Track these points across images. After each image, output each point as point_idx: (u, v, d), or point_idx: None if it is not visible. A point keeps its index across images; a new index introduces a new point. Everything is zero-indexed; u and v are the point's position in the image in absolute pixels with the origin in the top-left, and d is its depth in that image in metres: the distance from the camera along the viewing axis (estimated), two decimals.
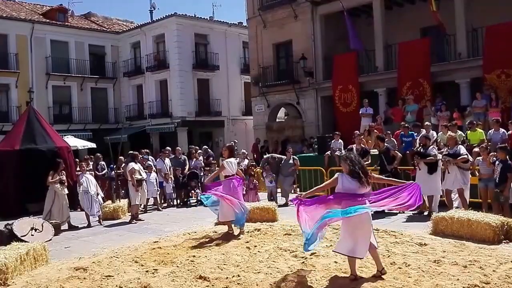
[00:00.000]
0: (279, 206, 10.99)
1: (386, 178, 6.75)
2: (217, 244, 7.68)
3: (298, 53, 20.93)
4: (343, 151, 12.24)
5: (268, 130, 22.61)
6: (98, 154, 15.71)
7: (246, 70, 28.06)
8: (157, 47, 28.83)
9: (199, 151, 15.04)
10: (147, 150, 15.52)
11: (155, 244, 7.90)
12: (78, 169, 11.93)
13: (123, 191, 13.23)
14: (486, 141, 10.78)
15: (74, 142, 20.22)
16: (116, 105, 30.66)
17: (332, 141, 13.20)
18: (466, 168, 8.98)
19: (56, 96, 27.94)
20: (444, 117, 13.76)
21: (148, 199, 12.29)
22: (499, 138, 10.62)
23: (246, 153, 15.18)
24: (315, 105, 20.85)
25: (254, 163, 15.23)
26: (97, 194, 10.91)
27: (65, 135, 19.58)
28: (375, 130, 13.91)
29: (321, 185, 5.56)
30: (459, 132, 11.51)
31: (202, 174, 13.61)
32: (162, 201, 13.30)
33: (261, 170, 13.64)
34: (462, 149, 9.08)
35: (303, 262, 6.24)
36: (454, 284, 5.14)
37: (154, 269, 6.28)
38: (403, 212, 9.42)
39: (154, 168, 13.01)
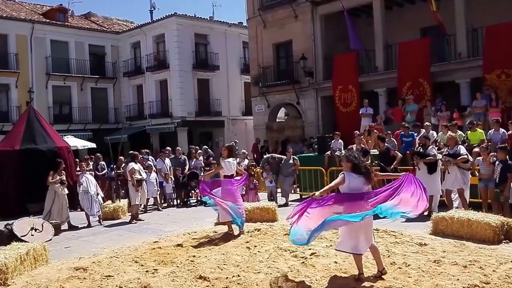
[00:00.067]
0: (279, 206, 11.00)
1: (388, 174, 6.74)
2: (217, 244, 7.68)
3: (298, 53, 20.93)
4: (343, 151, 12.24)
5: (268, 130, 22.61)
6: (98, 154, 15.72)
7: (246, 70, 28.05)
8: (157, 47, 28.83)
9: (199, 151, 15.04)
10: (147, 150, 15.52)
11: (155, 244, 7.90)
12: (78, 169, 11.94)
13: (123, 191, 13.23)
14: (486, 141, 10.78)
15: (74, 142, 20.23)
16: (116, 105, 30.66)
17: (332, 141, 13.20)
18: (466, 168, 8.98)
19: (56, 96, 27.93)
20: (444, 117, 13.76)
21: (148, 199, 12.30)
22: (499, 138, 10.62)
23: (246, 153, 15.19)
24: (315, 105, 20.85)
25: (254, 163, 15.24)
26: (97, 194, 10.91)
27: (65, 135, 19.59)
28: (375, 130, 13.91)
29: (331, 184, 5.48)
30: (459, 132, 11.52)
31: (202, 174, 13.60)
32: (162, 201, 13.30)
33: (261, 170, 13.64)
34: (462, 149, 9.09)
35: (303, 262, 6.23)
36: (454, 284, 5.14)
37: (154, 269, 6.28)
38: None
39: (154, 168, 13.02)
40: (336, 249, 5.76)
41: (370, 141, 13.38)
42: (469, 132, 11.59)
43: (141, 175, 11.31)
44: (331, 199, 5.46)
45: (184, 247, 7.52)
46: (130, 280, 5.84)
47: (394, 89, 17.56)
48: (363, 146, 11.81)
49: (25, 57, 26.62)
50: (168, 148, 14.53)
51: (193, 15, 28.49)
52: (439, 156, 9.41)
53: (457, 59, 16.35)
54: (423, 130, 11.58)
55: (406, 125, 12.34)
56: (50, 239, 8.59)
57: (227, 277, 5.73)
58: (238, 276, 5.77)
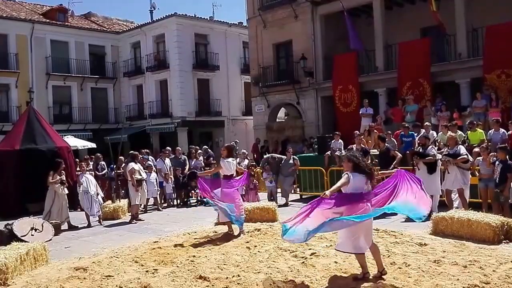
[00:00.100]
0: (279, 206, 11.00)
1: (388, 171, 6.73)
2: (217, 244, 7.68)
3: (298, 53, 20.93)
4: (343, 151, 12.25)
5: (268, 130, 22.60)
6: (98, 154, 15.72)
7: (246, 70, 28.05)
8: (157, 47, 28.82)
9: (199, 151, 15.04)
10: (147, 150, 15.53)
11: (155, 244, 7.90)
12: (78, 169, 11.95)
13: (123, 191, 13.23)
14: (486, 141, 10.78)
15: (74, 142, 20.23)
16: (116, 105, 30.65)
17: (332, 141, 13.20)
18: (466, 168, 8.99)
19: (56, 96, 27.93)
20: (444, 117, 13.76)
21: (148, 199, 12.30)
22: (499, 138, 10.62)
23: (246, 153, 15.18)
24: (315, 105, 20.85)
25: (254, 163, 15.24)
26: (97, 194, 10.91)
27: (65, 135, 19.59)
28: (375, 130, 13.91)
29: (338, 184, 5.42)
30: (459, 132, 11.52)
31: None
32: (162, 201, 13.30)
33: (261, 170, 13.64)
34: (462, 149, 9.09)
35: (303, 262, 6.23)
36: (454, 284, 5.14)
37: (154, 269, 6.27)
38: None
39: (154, 168, 13.02)
40: (337, 250, 5.75)
41: (370, 141, 13.38)
42: (469, 132, 11.59)
43: (141, 175, 11.31)
44: (333, 200, 5.43)
45: (184, 247, 7.52)
46: (130, 280, 5.84)
47: (394, 89, 17.56)
48: (363, 146, 11.81)
49: (25, 57, 26.62)
50: (168, 148, 14.53)
51: (193, 15, 28.50)
52: (439, 156, 9.41)
53: (457, 59, 16.35)
54: (423, 130, 11.58)
55: (406, 125, 12.35)
56: (50, 239, 8.59)
57: (227, 277, 5.73)
58: (238, 276, 5.76)
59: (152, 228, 9.93)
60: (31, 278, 6.23)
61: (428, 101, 15.48)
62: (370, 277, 5.47)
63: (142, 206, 12.10)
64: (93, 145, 21.45)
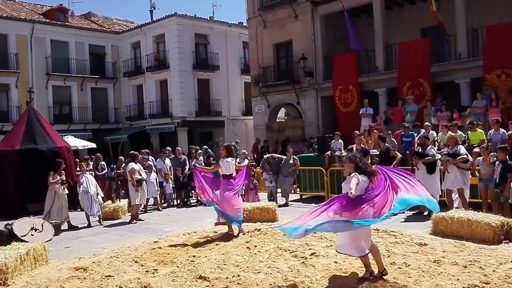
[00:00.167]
0: (279, 206, 11.00)
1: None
2: (217, 244, 7.68)
3: (298, 53, 20.93)
4: (343, 151, 12.26)
5: (268, 130, 22.60)
6: (98, 154, 15.72)
7: (246, 70, 28.06)
8: (157, 47, 28.83)
9: (199, 151, 15.03)
10: (147, 150, 15.52)
11: (155, 244, 7.90)
12: (78, 169, 11.95)
13: (123, 191, 13.23)
14: (486, 141, 10.78)
15: (74, 142, 20.23)
16: (116, 105, 30.66)
17: (332, 141, 13.20)
18: (465, 168, 8.98)
19: (56, 96, 27.93)
20: (444, 117, 13.77)
21: (148, 199, 12.30)
22: (499, 138, 10.63)
23: (246, 153, 15.17)
24: (315, 105, 20.85)
25: (254, 163, 15.24)
26: (97, 194, 10.90)
27: (65, 135, 19.60)
28: (375, 130, 13.92)
29: (355, 186, 5.33)
30: (459, 132, 11.52)
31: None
32: (162, 201, 13.30)
33: (261, 170, 13.64)
34: (462, 149, 9.09)
35: (303, 262, 6.23)
36: (454, 284, 5.14)
37: (154, 269, 6.28)
38: (403, 212, 9.41)
39: (154, 168, 13.01)
40: (339, 252, 5.67)
41: (370, 141, 13.38)
42: (469, 132, 11.59)
43: (141, 175, 11.31)
44: (344, 202, 5.37)
45: (184, 247, 7.52)
46: (130, 280, 5.84)
47: (394, 89, 17.56)
48: (363, 146, 11.82)
49: (25, 57, 26.62)
50: (168, 148, 14.53)
51: (193, 15, 28.50)
52: (438, 156, 9.41)
53: (457, 59, 16.35)
54: (423, 130, 11.59)
55: (406, 125, 12.35)
56: (50, 239, 8.59)
57: (227, 277, 5.73)
58: (238, 276, 5.76)
59: (152, 228, 9.93)
60: (31, 278, 6.23)
61: (428, 101, 15.48)
62: (371, 278, 5.46)
63: (142, 206, 12.10)
64: (93, 145, 21.45)
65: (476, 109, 13.75)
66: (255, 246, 7.29)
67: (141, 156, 13.32)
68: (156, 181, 12.80)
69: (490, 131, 11.25)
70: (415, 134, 11.43)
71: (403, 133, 11.93)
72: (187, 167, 13.73)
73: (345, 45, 19.14)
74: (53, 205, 10.06)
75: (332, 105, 19.59)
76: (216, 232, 8.62)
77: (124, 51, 30.72)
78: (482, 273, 5.48)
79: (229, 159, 8.63)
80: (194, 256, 6.88)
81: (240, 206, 8.68)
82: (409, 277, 5.46)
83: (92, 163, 15.05)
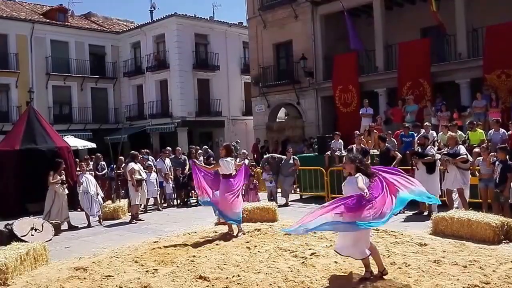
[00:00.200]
0: (279, 206, 11.00)
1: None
2: (217, 244, 7.68)
3: (298, 53, 20.94)
4: (343, 151, 12.26)
5: (268, 130, 22.61)
6: (98, 154, 15.73)
7: (246, 70, 28.06)
8: (157, 47, 28.84)
9: (199, 151, 15.04)
10: (147, 150, 15.53)
11: (155, 244, 7.90)
12: (78, 169, 11.95)
13: (123, 191, 13.23)
14: (486, 141, 10.78)
15: (74, 142, 20.24)
16: (116, 105, 30.66)
17: (332, 141, 13.20)
18: (465, 168, 8.98)
19: (56, 96, 27.94)
20: (444, 117, 13.77)
21: (148, 199, 12.30)
22: (499, 138, 10.62)
23: (246, 153, 15.20)
24: (315, 105, 20.85)
25: (254, 163, 15.24)
26: (97, 194, 10.91)
27: (65, 135, 19.60)
28: (375, 130, 13.91)
29: (364, 187, 5.29)
30: (459, 132, 11.52)
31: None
32: (162, 201, 13.30)
33: (261, 170, 13.63)
34: (462, 149, 9.08)
35: (303, 262, 6.23)
36: (454, 284, 5.14)
37: (154, 269, 6.27)
38: (403, 212, 9.42)
39: (154, 168, 13.01)
40: (341, 254, 5.64)
41: (370, 141, 13.38)
42: (469, 132, 11.59)
43: (141, 175, 11.31)
44: (337, 203, 5.36)
45: (184, 247, 7.52)
46: (130, 280, 5.84)
47: (394, 89, 17.56)
48: (363, 146, 11.82)
49: (25, 57, 26.63)
50: (168, 148, 14.53)
51: (193, 15, 28.51)
52: (438, 156, 9.41)
53: (457, 59, 16.35)
54: (423, 130, 11.58)
55: (406, 125, 12.34)
56: (50, 239, 8.60)
57: (227, 277, 5.73)
58: (238, 276, 5.76)
59: (152, 228, 9.93)
60: (31, 278, 6.23)
61: (428, 101, 15.48)
62: (371, 278, 5.46)
63: (142, 206, 12.10)
64: (93, 145, 21.46)
65: (476, 109, 13.75)
66: (255, 246, 7.29)
67: (141, 156, 13.32)
68: (156, 181, 12.80)
69: (490, 131, 11.25)
70: (415, 134, 11.42)
71: (403, 133, 11.93)
72: (187, 167, 13.71)
73: (345, 45, 19.14)
74: (53, 205, 10.06)
75: (332, 105, 19.59)
76: (216, 232, 8.62)
77: (124, 51, 30.73)
78: (482, 273, 5.47)
79: (228, 158, 8.63)
80: (194, 256, 6.88)
81: (240, 206, 8.68)
82: (409, 277, 5.46)
83: (92, 163, 15.06)
